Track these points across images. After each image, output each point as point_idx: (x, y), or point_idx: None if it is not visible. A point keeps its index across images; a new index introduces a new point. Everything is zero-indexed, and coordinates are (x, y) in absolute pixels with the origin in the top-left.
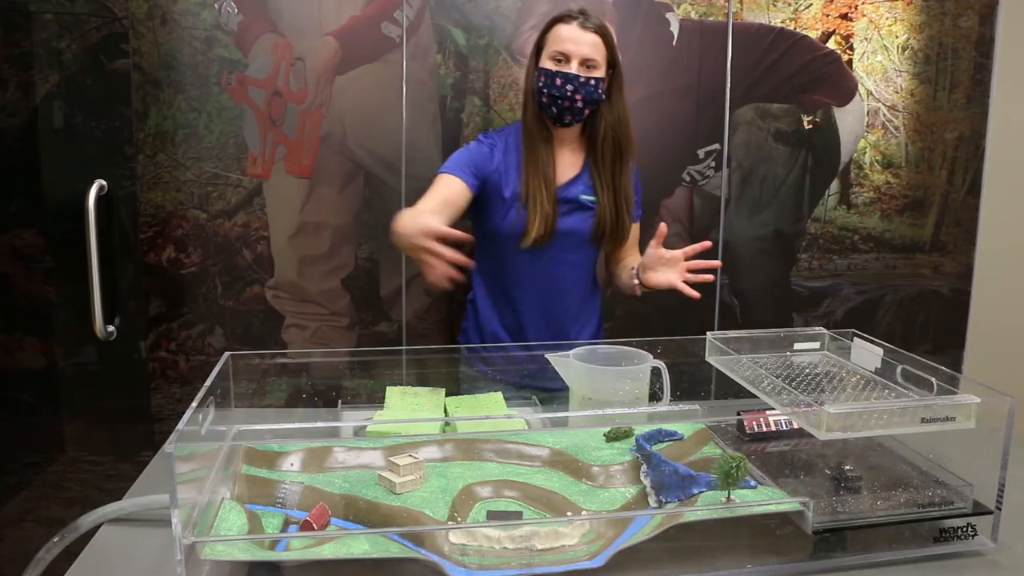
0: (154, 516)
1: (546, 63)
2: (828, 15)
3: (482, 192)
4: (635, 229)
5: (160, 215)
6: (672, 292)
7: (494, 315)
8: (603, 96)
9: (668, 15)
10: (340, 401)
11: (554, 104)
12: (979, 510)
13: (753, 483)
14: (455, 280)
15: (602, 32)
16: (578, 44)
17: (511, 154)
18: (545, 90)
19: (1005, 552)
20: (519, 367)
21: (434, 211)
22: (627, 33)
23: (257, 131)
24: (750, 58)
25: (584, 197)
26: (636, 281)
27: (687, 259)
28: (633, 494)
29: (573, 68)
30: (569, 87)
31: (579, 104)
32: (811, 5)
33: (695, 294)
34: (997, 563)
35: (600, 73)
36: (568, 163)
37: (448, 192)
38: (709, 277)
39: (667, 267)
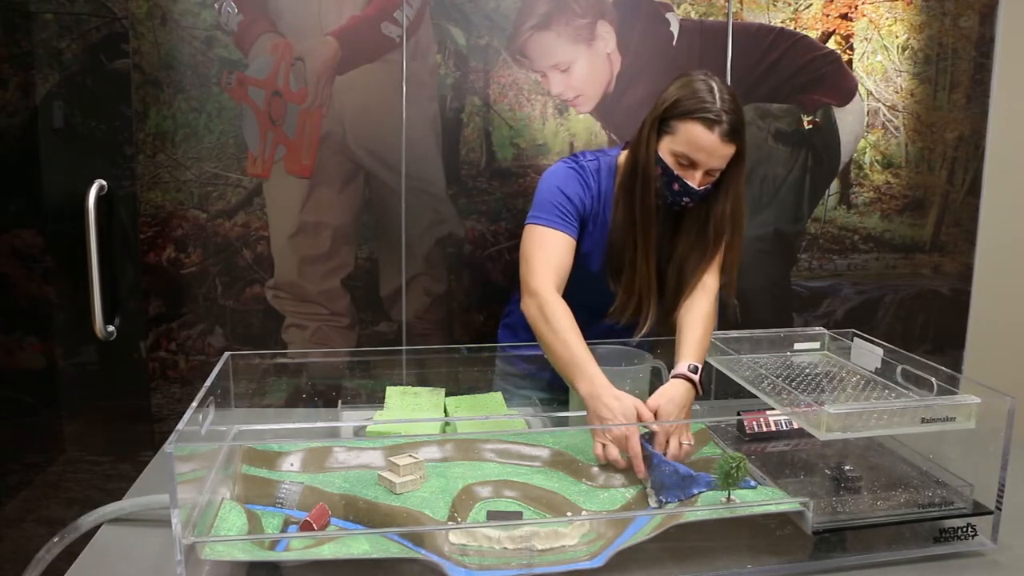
0: (154, 516)
1: (667, 157)
2: (828, 15)
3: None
4: (718, 256)
5: (160, 215)
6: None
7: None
8: (712, 190)
9: (668, 15)
10: (340, 401)
11: (664, 199)
12: (979, 510)
13: (753, 483)
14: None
15: (739, 139)
16: (711, 156)
17: (604, 198)
18: (658, 185)
19: (1005, 552)
20: (535, 365)
21: (558, 284)
22: (627, 33)
23: (257, 131)
24: (750, 58)
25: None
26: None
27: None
28: (633, 494)
29: (696, 179)
30: (685, 199)
31: (690, 206)
32: (811, 5)
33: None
34: (997, 563)
35: (718, 175)
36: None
37: (564, 257)
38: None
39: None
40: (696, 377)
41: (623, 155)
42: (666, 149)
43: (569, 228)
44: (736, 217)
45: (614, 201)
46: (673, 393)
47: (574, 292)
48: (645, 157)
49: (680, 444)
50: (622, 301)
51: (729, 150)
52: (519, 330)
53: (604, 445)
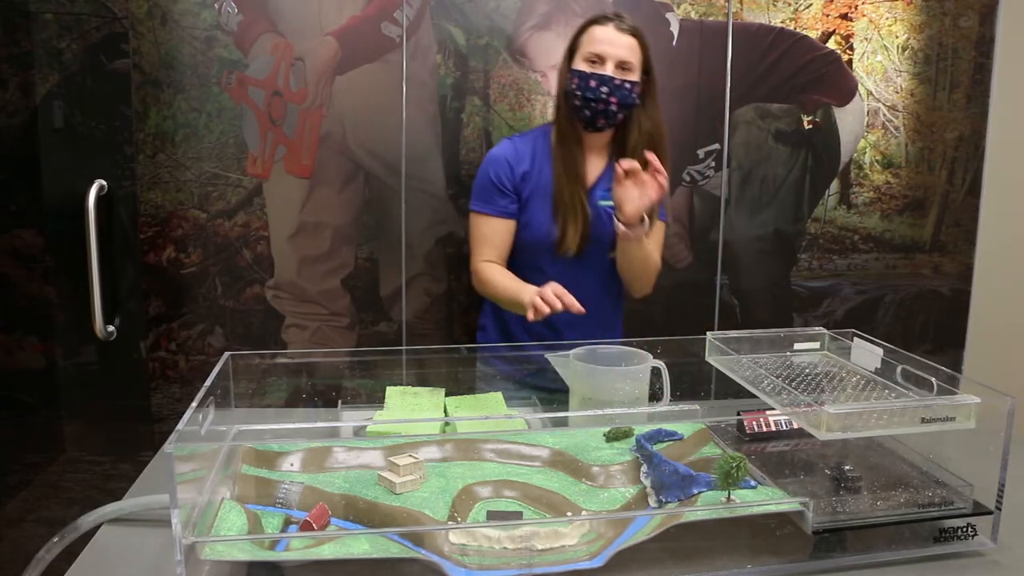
0: (154, 516)
1: (580, 65)
2: (828, 15)
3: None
4: (659, 228)
5: (160, 215)
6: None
7: (518, 320)
8: (637, 100)
9: (668, 15)
10: (340, 401)
11: (587, 107)
12: (979, 510)
13: (753, 483)
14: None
15: (638, 35)
16: (614, 46)
17: (542, 160)
18: (579, 92)
19: (1005, 552)
20: (535, 365)
21: (499, 262)
22: None
23: (257, 131)
24: (750, 58)
25: (603, 203)
26: (621, 228)
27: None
28: (633, 494)
29: (608, 70)
30: (604, 89)
31: (613, 107)
32: (811, 5)
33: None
34: (997, 563)
35: (635, 77)
36: (591, 166)
37: (499, 235)
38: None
39: (634, 188)
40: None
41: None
42: (579, 60)
43: (501, 210)
44: (659, 133)
45: (552, 155)
46: None
47: (536, 267)
48: (562, 77)
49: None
50: (560, 228)
51: (628, 40)
52: (492, 333)
53: (535, 307)
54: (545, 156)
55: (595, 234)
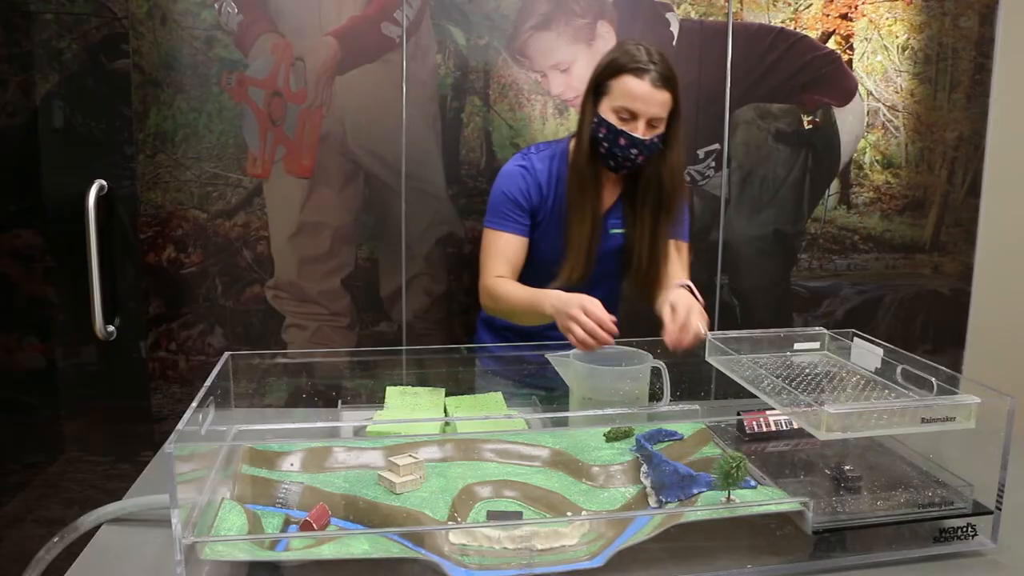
0: (154, 516)
1: (609, 115)
2: (828, 15)
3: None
4: (683, 249)
5: (160, 215)
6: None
7: (511, 326)
8: (661, 145)
9: (668, 15)
10: (340, 401)
11: (612, 159)
12: (979, 510)
13: (753, 483)
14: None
15: (673, 87)
16: (648, 104)
17: (557, 183)
18: (606, 144)
19: (1005, 552)
20: (535, 365)
21: (511, 278)
22: (627, 33)
23: (257, 131)
24: (750, 58)
25: (614, 231)
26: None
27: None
28: (633, 494)
29: (640, 130)
30: (633, 150)
31: (640, 161)
32: (811, 5)
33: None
34: (997, 563)
35: (663, 128)
36: (606, 194)
37: (514, 252)
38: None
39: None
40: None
41: (574, 141)
42: (607, 108)
43: (518, 227)
44: (676, 168)
45: (567, 182)
46: (679, 294)
47: (537, 282)
48: (586, 116)
49: (697, 327)
50: (569, 263)
51: (663, 96)
52: (483, 328)
53: (579, 336)
54: (561, 181)
55: (603, 261)
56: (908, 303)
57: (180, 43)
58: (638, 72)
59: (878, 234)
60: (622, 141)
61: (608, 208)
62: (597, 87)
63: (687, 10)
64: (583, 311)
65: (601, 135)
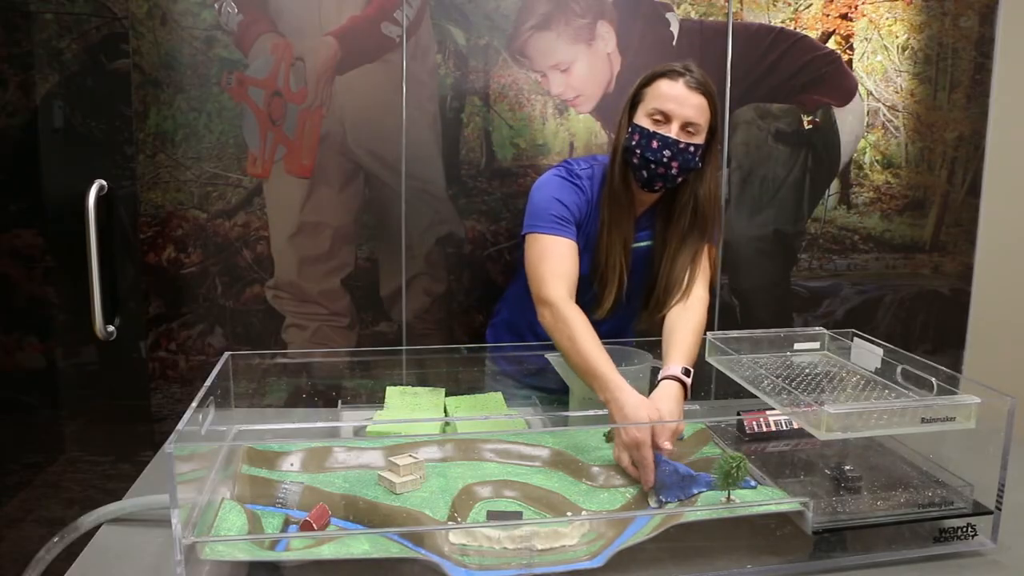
0: (154, 516)
1: (642, 120)
2: (828, 15)
3: None
4: (704, 252)
5: (160, 215)
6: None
7: (532, 337)
8: (699, 164)
9: (668, 15)
10: (340, 401)
11: (646, 167)
12: (979, 510)
13: (753, 483)
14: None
15: (709, 94)
16: (682, 105)
17: (594, 204)
18: (638, 151)
19: (1005, 552)
20: (535, 366)
21: (573, 298)
22: (627, 33)
23: (257, 131)
24: (750, 58)
25: (639, 244)
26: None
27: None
28: (633, 494)
29: (673, 131)
30: (666, 153)
31: (674, 171)
32: (811, 5)
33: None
34: (997, 563)
35: (700, 139)
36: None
37: (570, 263)
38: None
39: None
40: (688, 381)
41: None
42: (641, 115)
43: (570, 233)
44: (714, 203)
45: (600, 203)
46: (671, 394)
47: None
48: (621, 130)
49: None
50: (597, 290)
51: (698, 99)
52: (502, 331)
53: (621, 454)
54: (596, 199)
55: (629, 286)
56: (908, 303)
57: (180, 43)
58: (672, 75)
59: (878, 234)
60: (654, 144)
61: (636, 217)
62: (633, 100)
63: (687, 10)
64: (646, 445)
65: (634, 143)
